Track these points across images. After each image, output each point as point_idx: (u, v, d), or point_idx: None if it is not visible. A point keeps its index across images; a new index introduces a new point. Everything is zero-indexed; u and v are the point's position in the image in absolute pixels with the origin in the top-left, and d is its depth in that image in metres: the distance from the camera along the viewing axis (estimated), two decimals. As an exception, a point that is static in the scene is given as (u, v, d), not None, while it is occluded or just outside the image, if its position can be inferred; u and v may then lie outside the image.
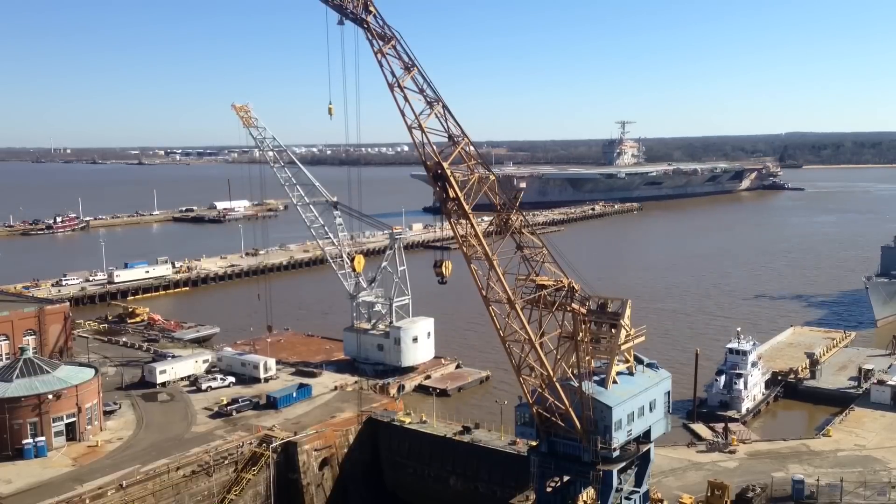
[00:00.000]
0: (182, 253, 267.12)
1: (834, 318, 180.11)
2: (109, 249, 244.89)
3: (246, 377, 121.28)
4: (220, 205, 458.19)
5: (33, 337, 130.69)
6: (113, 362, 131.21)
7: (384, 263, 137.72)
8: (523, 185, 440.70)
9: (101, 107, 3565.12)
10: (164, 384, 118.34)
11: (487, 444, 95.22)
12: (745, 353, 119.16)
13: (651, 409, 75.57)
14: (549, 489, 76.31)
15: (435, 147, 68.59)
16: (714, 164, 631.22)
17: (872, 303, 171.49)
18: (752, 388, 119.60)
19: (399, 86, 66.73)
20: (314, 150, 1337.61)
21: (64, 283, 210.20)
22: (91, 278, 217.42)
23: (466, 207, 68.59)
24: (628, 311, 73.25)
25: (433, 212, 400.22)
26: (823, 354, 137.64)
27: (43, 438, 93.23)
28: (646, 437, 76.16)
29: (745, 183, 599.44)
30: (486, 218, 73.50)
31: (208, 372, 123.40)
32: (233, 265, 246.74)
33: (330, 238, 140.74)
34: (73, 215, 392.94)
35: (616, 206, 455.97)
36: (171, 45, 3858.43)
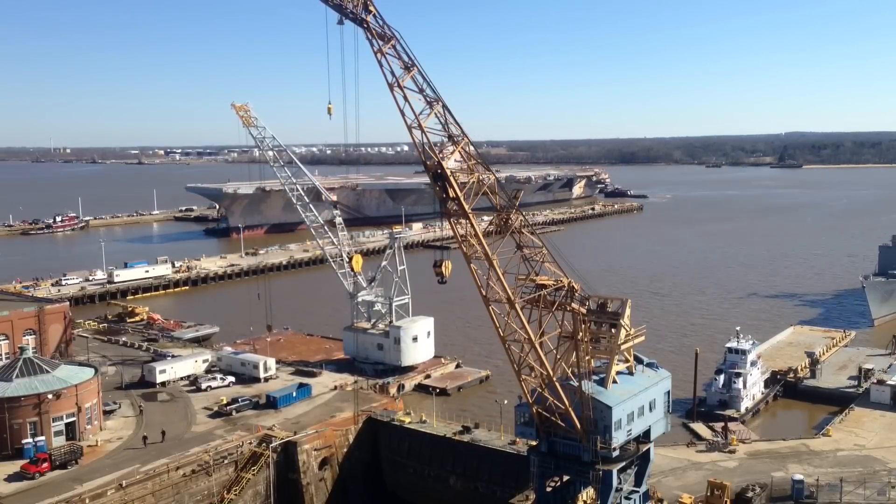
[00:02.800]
0: (182, 252, 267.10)
1: (833, 317, 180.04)
2: (109, 249, 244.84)
3: (246, 377, 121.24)
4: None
5: (33, 336, 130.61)
6: (111, 361, 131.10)
7: (384, 263, 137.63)
8: (333, 197, 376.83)
9: (101, 107, 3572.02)
10: (163, 384, 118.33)
11: (487, 443, 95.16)
12: (744, 353, 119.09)
13: (651, 409, 75.55)
14: (548, 489, 76.31)
15: (435, 147, 68.58)
16: (544, 170, 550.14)
17: (870, 302, 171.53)
18: (752, 388, 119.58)
19: (399, 85, 66.73)
20: (314, 149, 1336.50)
21: (64, 282, 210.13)
22: (91, 278, 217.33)
23: (466, 207, 68.57)
24: (628, 311, 73.22)
25: (216, 234, 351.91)
26: (823, 354, 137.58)
27: (43, 438, 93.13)
28: (645, 436, 76.15)
29: (576, 191, 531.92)
30: (485, 218, 73.51)
31: (208, 371, 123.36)
32: (232, 265, 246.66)
33: (329, 237, 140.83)
34: (72, 215, 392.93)
35: (616, 206, 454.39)
36: (171, 45, 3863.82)
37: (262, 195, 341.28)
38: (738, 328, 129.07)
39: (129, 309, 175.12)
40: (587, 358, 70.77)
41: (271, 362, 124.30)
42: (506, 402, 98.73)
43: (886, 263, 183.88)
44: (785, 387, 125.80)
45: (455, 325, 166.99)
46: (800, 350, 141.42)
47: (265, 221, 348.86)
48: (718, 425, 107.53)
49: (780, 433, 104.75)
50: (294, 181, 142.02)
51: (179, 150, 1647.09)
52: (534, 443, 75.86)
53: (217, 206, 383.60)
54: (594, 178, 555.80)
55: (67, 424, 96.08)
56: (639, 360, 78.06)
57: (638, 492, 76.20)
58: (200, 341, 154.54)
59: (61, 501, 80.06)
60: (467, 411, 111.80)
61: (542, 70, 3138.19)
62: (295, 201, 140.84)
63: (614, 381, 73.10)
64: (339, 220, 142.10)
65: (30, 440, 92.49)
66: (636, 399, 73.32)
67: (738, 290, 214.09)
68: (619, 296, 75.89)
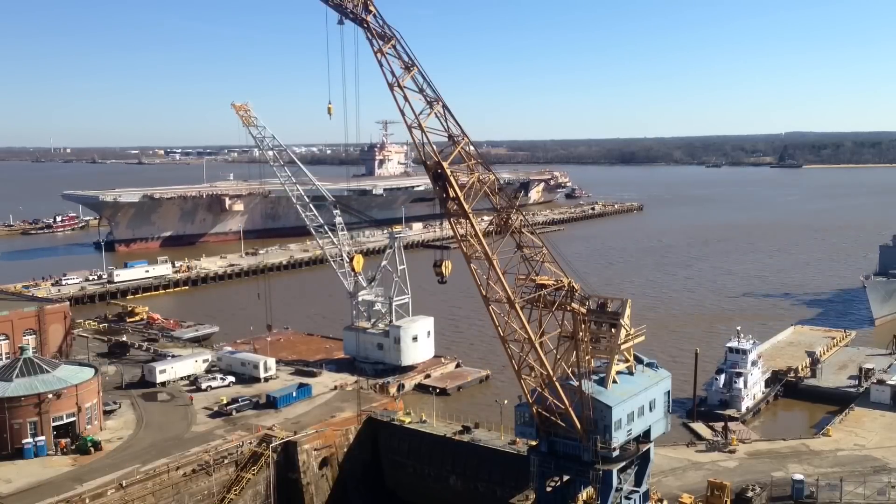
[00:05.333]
0: (182, 252, 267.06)
1: (834, 317, 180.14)
2: (109, 248, 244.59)
3: (246, 377, 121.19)
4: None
5: (33, 336, 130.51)
6: (110, 361, 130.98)
7: (384, 262, 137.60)
8: (239, 207, 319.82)
9: (101, 107, 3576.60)
10: (163, 384, 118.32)
11: (487, 443, 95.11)
12: (745, 352, 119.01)
13: (651, 409, 75.53)
14: (548, 489, 76.30)
15: (435, 147, 68.60)
16: (498, 173, 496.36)
17: (871, 302, 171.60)
18: (753, 387, 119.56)
19: (399, 85, 66.65)
20: (314, 149, 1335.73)
21: (64, 282, 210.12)
22: (91, 278, 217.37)
23: (466, 207, 68.54)
24: (628, 311, 73.20)
25: (105, 247, 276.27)
26: (824, 353, 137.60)
27: (43, 438, 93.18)
28: (646, 436, 76.12)
29: (533, 195, 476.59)
30: (486, 217, 73.52)
31: (208, 371, 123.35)
32: (232, 265, 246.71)
33: (329, 237, 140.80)
34: (72, 214, 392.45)
35: (616, 206, 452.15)
36: (172, 44, 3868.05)
37: (152, 204, 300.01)
38: (738, 328, 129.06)
39: (129, 309, 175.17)
40: (587, 358, 70.73)
41: (271, 362, 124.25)
42: (506, 402, 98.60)
43: (887, 263, 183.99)
44: (785, 386, 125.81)
45: (455, 325, 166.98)
46: (800, 350, 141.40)
47: (158, 233, 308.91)
48: (718, 425, 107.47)
49: (780, 433, 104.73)
50: (294, 181, 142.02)
51: (179, 150, 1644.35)
52: (534, 443, 75.83)
53: (98, 217, 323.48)
54: (552, 182, 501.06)
55: (68, 424, 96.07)
56: (639, 360, 78.03)
57: (638, 492, 76.17)
58: (200, 341, 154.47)
59: (61, 501, 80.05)
60: (467, 411, 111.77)
61: (543, 71, 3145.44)
62: (295, 201, 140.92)
63: (614, 381, 73.07)
64: (339, 220, 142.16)
65: (30, 440, 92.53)
66: (636, 399, 73.30)
67: (738, 290, 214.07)
68: (618, 295, 75.94)
